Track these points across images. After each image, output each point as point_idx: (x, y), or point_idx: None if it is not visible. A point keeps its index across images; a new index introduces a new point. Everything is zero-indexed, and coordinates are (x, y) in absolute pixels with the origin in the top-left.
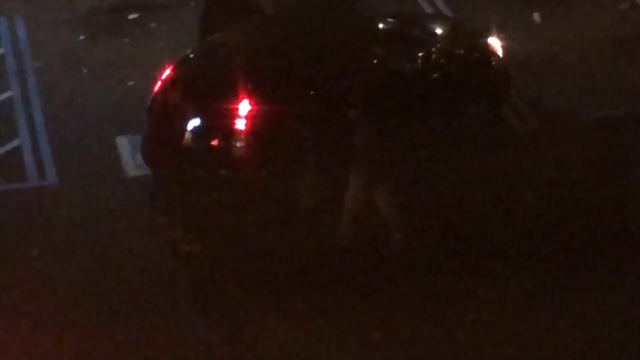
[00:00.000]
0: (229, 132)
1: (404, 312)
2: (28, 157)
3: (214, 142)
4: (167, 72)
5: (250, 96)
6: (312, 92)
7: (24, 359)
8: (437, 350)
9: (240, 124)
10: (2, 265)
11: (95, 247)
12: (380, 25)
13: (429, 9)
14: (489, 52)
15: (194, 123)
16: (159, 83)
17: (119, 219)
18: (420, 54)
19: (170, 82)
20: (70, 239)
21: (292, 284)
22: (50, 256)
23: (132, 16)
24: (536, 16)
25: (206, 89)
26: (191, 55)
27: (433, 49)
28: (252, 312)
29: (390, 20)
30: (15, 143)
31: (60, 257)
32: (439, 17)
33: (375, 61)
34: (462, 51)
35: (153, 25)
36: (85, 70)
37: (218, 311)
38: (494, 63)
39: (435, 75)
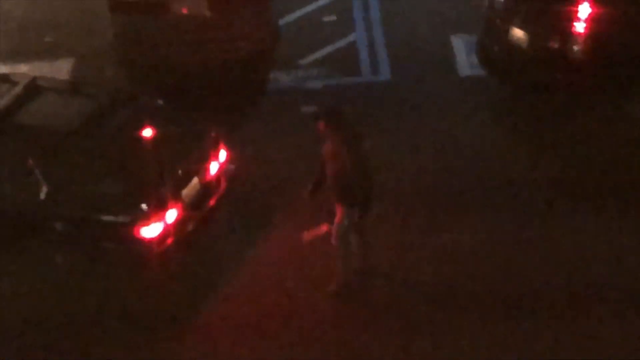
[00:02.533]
0: (567, 35)
1: None
2: (363, 53)
3: (552, 45)
4: None
5: None
6: None
7: None
8: None
9: (579, 27)
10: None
11: (432, 139)
12: None
13: None
14: None
15: (530, 25)
16: None
17: (453, 114)
18: None
19: None
20: (398, 127)
21: None
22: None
23: None
24: None
25: None
26: None
27: None
28: None
29: None
30: (351, 38)
31: (391, 148)
32: None
33: None
34: None
35: None
36: None
37: None
38: None
39: None
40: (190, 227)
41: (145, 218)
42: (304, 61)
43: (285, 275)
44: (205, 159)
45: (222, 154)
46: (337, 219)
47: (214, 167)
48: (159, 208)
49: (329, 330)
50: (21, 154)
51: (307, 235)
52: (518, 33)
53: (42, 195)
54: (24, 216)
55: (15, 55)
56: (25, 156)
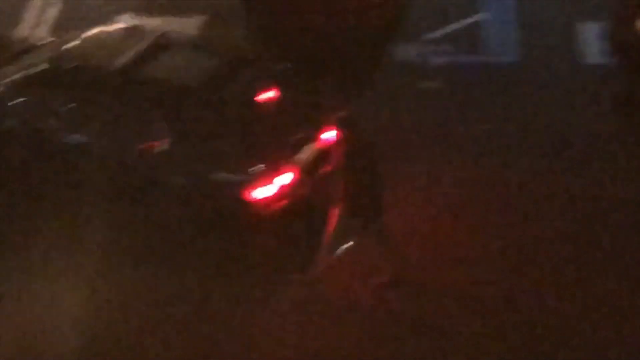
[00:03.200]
0: None
1: None
2: (491, 32)
3: None
4: None
5: None
6: None
7: None
8: None
9: None
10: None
11: (547, 128)
12: None
13: None
14: None
15: None
16: None
17: (572, 103)
18: None
19: None
20: (516, 110)
21: None
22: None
23: None
24: None
25: None
26: None
27: None
28: None
29: None
30: (480, 16)
31: (505, 133)
32: None
33: None
34: None
35: None
36: None
37: None
38: None
39: None
40: (303, 191)
41: (259, 179)
42: (430, 36)
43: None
44: (322, 126)
45: (340, 122)
46: None
47: (331, 135)
48: (274, 170)
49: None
50: (146, 106)
51: None
52: None
53: (163, 148)
54: (144, 168)
55: (149, 9)
56: (150, 108)
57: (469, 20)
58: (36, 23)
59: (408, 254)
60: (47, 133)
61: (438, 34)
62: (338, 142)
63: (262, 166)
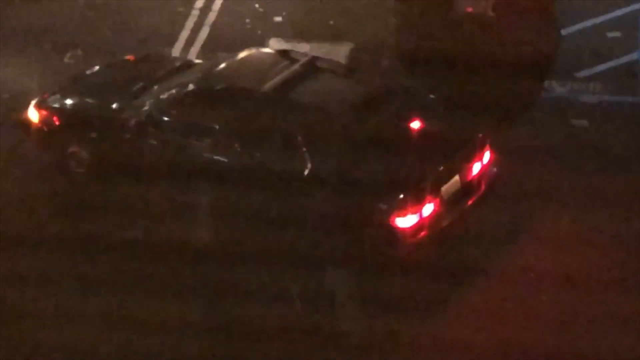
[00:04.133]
0: None
1: None
2: None
3: None
4: None
5: None
6: None
7: None
8: None
9: None
10: None
11: None
12: None
13: None
14: None
15: None
16: None
17: None
18: None
19: None
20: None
21: None
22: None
23: None
24: None
25: None
26: None
27: None
28: None
29: None
30: (634, 56)
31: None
32: None
33: None
34: None
35: None
36: None
37: None
38: None
39: None
40: (445, 223)
41: (402, 208)
42: (581, 74)
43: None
44: (469, 158)
45: (487, 156)
46: None
47: (476, 168)
48: (417, 200)
49: None
50: (292, 129)
51: None
52: None
53: (306, 172)
54: (284, 189)
55: (300, 35)
56: (295, 131)
57: (623, 59)
58: (189, 43)
59: None
60: (191, 151)
61: (589, 72)
62: (483, 176)
63: (406, 194)
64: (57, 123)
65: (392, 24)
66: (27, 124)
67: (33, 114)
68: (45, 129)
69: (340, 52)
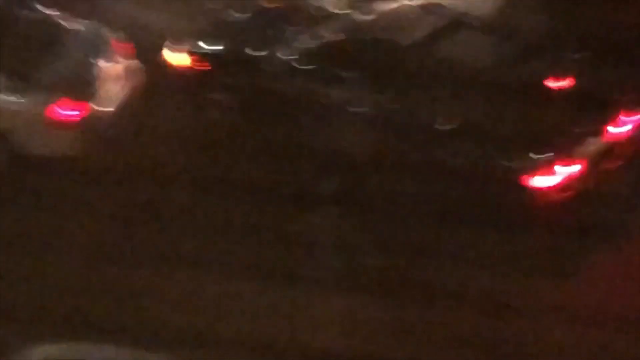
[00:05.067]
0: None
1: None
2: None
3: None
4: None
5: None
6: None
7: None
8: None
9: None
10: None
11: None
12: None
13: None
14: None
15: None
16: None
17: None
18: None
19: None
20: None
21: None
22: None
23: None
24: None
25: None
26: None
27: None
28: None
29: None
30: None
31: None
32: None
33: None
34: None
35: None
36: None
37: None
38: None
39: None
40: (587, 185)
41: (542, 167)
42: None
43: None
44: (613, 120)
45: (631, 118)
46: None
47: (620, 130)
48: (558, 160)
49: None
50: (436, 85)
51: None
52: None
53: (443, 127)
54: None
55: None
56: (439, 87)
57: None
58: None
59: None
60: (333, 101)
61: None
62: (627, 139)
63: (546, 154)
64: (201, 68)
65: None
66: (173, 67)
67: (179, 58)
68: (190, 73)
69: (491, 6)
